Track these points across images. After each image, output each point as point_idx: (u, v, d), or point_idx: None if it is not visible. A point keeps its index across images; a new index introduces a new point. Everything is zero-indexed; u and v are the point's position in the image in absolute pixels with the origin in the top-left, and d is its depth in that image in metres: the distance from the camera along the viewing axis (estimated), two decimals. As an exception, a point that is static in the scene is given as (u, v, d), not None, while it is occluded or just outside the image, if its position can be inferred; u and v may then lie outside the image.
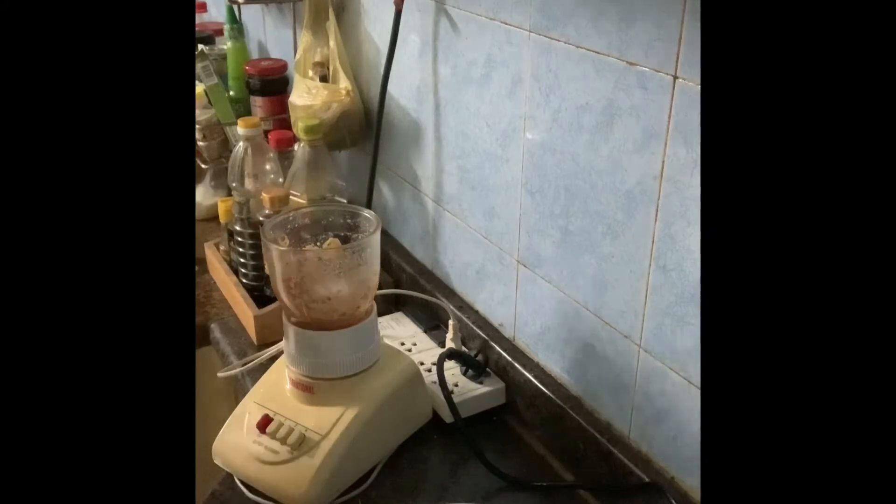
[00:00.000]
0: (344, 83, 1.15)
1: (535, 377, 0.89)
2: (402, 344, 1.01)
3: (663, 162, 0.68)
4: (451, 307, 1.01)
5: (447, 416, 0.88)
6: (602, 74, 0.72)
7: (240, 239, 1.10)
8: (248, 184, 1.08)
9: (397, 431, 0.87)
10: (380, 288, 0.97)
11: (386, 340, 0.94)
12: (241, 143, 1.09)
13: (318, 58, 1.19)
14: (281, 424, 0.81)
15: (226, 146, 1.37)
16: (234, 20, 1.44)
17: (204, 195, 1.38)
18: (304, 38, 1.20)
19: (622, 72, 0.70)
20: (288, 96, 1.22)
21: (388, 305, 1.12)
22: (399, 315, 1.09)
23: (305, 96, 1.16)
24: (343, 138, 1.18)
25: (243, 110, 1.38)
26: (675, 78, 0.65)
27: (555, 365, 0.90)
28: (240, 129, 1.08)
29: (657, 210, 0.70)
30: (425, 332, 1.05)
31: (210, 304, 1.15)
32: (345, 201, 1.10)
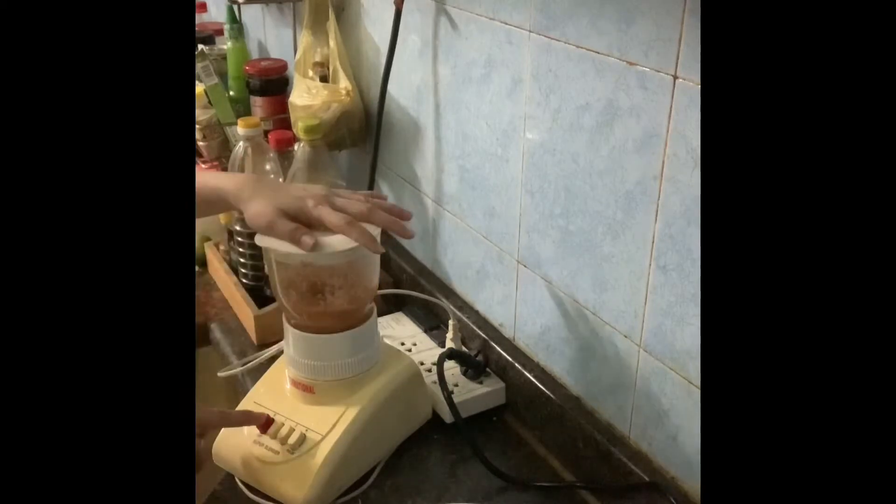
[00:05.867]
0: (344, 83, 1.15)
1: (535, 377, 0.89)
2: (402, 344, 1.01)
3: (663, 162, 0.68)
4: (451, 307, 1.01)
5: (447, 416, 0.88)
6: (602, 74, 0.72)
7: (240, 239, 1.10)
8: (249, 184, 1.08)
9: (397, 431, 0.87)
10: (380, 288, 0.97)
11: (386, 340, 0.94)
12: (241, 143, 1.09)
13: (318, 58, 1.19)
14: (281, 424, 0.81)
15: (226, 146, 1.37)
16: (234, 20, 1.44)
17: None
18: (304, 38, 1.20)
19: (622, 72, 0.70)
20: (288, 96, 1.22)
21: (388, 305, 1.11)
22: (399, 315, 1.09)
23: (305, 96, 1.16)
24: (343, 138, 1.18)
25: (243, 110, 1.38)
26: (675, 78, 0.65)
27: (555, 365, 0.90)
28: (240, 129, 1.08)
29: (657, 210, 0.70)
30: (425, 332, 1.05)
31: (210, 304, 1.15)
32: (345, 201, 1.10)
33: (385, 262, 1.15)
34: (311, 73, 1.19)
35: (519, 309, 0.94)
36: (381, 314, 0.99)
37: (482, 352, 0.97)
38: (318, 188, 0.80)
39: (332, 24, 1.16)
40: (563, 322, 0.86)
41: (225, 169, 1.29)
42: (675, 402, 0.73)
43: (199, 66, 1.35)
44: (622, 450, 0.79)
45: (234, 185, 0.80)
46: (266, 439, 0.80)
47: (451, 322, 1.00)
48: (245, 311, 1.07)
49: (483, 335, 0.97)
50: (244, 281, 1.12)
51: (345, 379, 0.82)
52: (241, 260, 1.11)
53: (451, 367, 0.95)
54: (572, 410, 0.84)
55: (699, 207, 0.66)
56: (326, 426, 0.79)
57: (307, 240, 0.74)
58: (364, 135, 1.20)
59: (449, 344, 0.99)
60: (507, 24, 0.84)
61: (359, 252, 0.77)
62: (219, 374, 1.00)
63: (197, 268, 1.24)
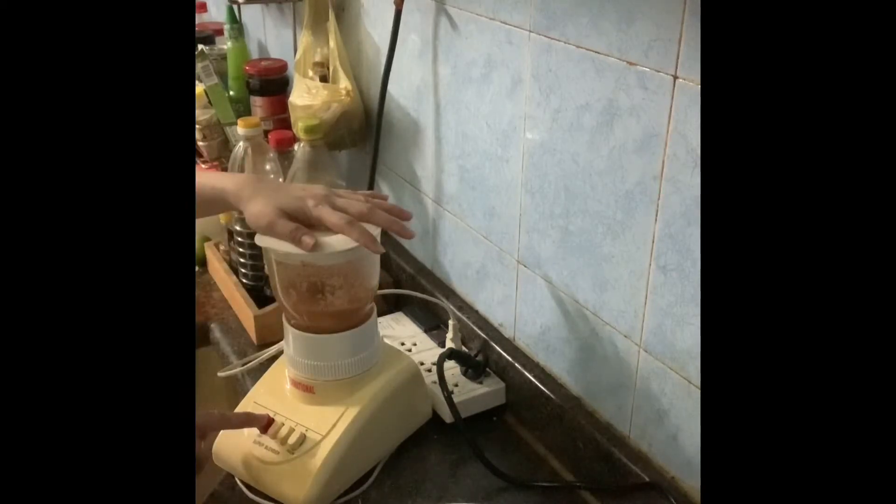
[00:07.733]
0: (344, 83, 1.15)
1: (535, 377, 0.89)
2: (402, 344, 1.01)
3: (663, 162, 0.68)
4: (451, 307, 1.01)
5: (447, 416, 0.88)
6: (602, 74, 0.72)
7: (240, 239, 1.10)
8: (248, 184, 1.08)
9: (397, 431, 0.87)
10: (380, 288, 0.97)
11: (386, 340, 0.94)
12: (241, 143, 1.09)
13: (318, 58, 1.19)
14: (281, 424, 0.81)
15: (226, 146, 1.37)
16: (234, 20, 1.43)
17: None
18: (304, 38, 1.20)
19: (622, 72, 0.70)
20: (288, 96, 1.22)
21: (388, 305, 1.11)
22: (399, 315, 1.09)
23: (305, 96, 1.16)
24: (343, 138, 1.18)
25: (243, 110, 1.38)
26: (675, 78, 0.65)
27: (555, 365, 0.90)
28: (240, 129, 1.08)
29: (657, 210, 0.70)
30: (425, 332, 1.05)
31: (210, 304, 1.15)
32: (345, 201, 1.10)
33: (385, 262, 1.15)
34: (311, 73, 1.19)
35: (519, 309, 0.94)
36: (381, 314, 0.99)
37: (482, 352, 0.97)
38: (318, 188, 0.80)
39: (332, 24, 1.16)
40: (563, 322, 0.86)
41: (225, 169, 1.29)
42: (675, 402, 0.73)
43: (199, 66, 1.35)
44: (622, 450, 0.79)
45: (234, 185, 0.80)
46: (266, 439, 0.80)
47: (451, 322, 1.00)
48: (245, 311, 1.07)
49: (483, 335, 0.97)
50: (244, 281, 1.12)
51: (345, 379, 0.82)
52: (241, 260, 1.11)
53: (451, 367, 0.95)
54: (572, 410, 0.84)
55: (699, 207, 0.66)
56: (326, 426, 0.79)
57: (307, 240, 0.74)
58: (364, 135, 1.20)
59: (449, 344, 0.99)
60: (507, 24, 0.84)
61: (359, 252, 0.77)
62: (219, 374, 1.00)
63: (197, 268, 1.24)
